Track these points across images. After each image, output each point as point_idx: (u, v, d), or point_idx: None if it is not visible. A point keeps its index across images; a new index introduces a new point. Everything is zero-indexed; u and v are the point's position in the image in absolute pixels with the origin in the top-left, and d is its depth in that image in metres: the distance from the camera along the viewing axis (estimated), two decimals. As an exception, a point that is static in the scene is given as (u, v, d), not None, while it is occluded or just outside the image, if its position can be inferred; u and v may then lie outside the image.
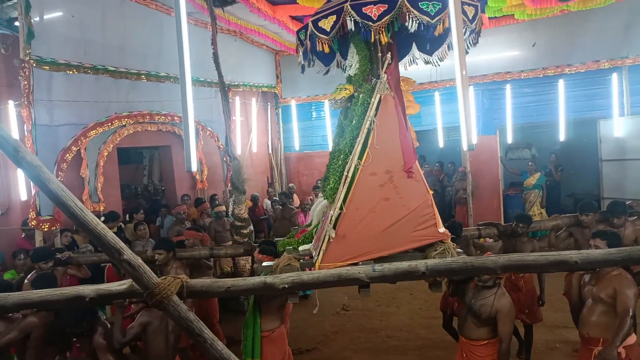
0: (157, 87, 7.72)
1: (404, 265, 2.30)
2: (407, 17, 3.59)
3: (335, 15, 3.84)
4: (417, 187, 3.76)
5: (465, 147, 2.51)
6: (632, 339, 3.27)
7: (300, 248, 4.03)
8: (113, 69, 6.87)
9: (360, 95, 3.86)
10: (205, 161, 8.89)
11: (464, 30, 3.55)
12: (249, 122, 10.60)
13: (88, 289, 2.41)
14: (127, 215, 7.66)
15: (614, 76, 9.05)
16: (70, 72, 6.28)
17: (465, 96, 2.52)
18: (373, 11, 3.68)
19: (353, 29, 3.78)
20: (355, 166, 3.63)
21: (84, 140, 6.55)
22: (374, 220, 3.64)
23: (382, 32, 3.67)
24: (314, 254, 3.69)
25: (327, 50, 4.03)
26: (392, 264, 2.31)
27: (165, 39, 7.36)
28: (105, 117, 6.91)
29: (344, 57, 4.63)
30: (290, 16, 8.27)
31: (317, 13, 4.08)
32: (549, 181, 9.45)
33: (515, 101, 9.76)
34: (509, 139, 10.06)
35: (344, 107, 4.49)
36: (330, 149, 11.14)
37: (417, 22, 3.58)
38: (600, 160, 9.09)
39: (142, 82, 7.47)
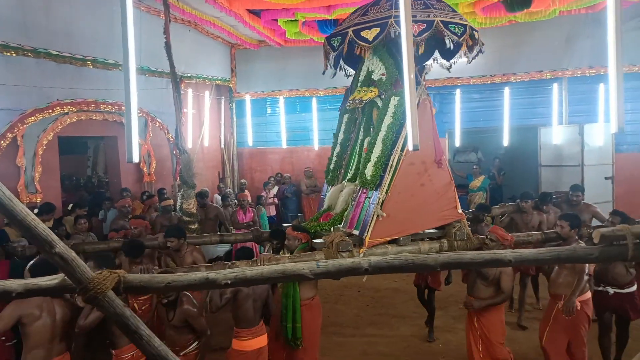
0: (105, 75, 7.40)
1: (347, 262, 2.33)
2: (443, 35, 4.57)
3: (379, 28, 4.62)
4: (444, 175, 4.65)
5: (410, 147, 2.57)
6: (587, 295, 4.11)
7: (333, 228, 4.63)
8: (56, 53, 6.53)
9: (396, 98, 4.54)
10: (153, 153, 8.61)
11: (450, 45, 4.61)
12: (201, 115, 10.37)
13: (15, 284, 2.26)
14: (71, 206, 7.28)
15: (555, 86, 9.59)
16: (8, 54, 5.92)
17: (412, 99, 2.58)
18: (414, 28, 4.46)
19: (393, 39, 4.60)
20: (398, 157, 4.37)
21: (21, 127, 6.17)
22: (412, 203, 4.43)
23: (421, 45, 4.59)
24: (354, 232, 4.36)
25: (366, 55, 4.94)
26: (336, 260, 2.33)
27: (116, 25, 6.99)
28: (46, 103, 6.53)
29: (351, 65, 5.59)
30: (247, 9, 8.17)
31: (356, 24, 4.84)
32: (492, 184, 9.85)
33: (464, 106, 10.12)
34: (457, 142, 10.41)
35: (356, 107, 5.20)
36: (284, 145, 11.22)
37: (449, 39, 4.59)
38: (540, 166, 9.58)
39: (89, 68, 7.13)
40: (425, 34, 4.53)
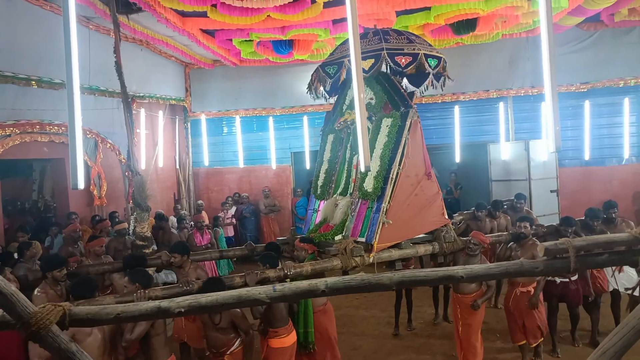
0: (51, 95, 7.10)
1: (304, 284, 2.31)
2: (424, 67, 5.29)
3: (373, 59, 5.19)
4: (433, 186, 5.29)
5: (362, 168, 2.62)
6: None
7: (336, 238, 5.03)
8: (-3, 72, 6.23)
9: (388, 119, 5.20)
10: (104, 176, 8.30)
11: (431, 74, 5.35)
12: (154, 135, 10.13)
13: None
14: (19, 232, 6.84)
15: (501, 105, 10.06)
16: (-58, 74, 5.60)
17: (363, 118, 2.63)
18: (402, 60, 5.20)
19: (387, 70, 5.40)
20: (397, 171, 4.93)
21: (-43, 150, 5.82)
22: (408, 211, 5.03)
23: (409, 73, 5.39)
24: (359, 239, 4.84)
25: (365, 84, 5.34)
26: (293, 283, 2.31)
27: (62, 43, 6.82)
28: (-14, 125, 6.21)
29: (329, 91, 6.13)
30: (200, 29, 8.12)
31: (350, 55, 5.25)
32: (449, 198, 10.13)
33: (417, 124, 10.41)
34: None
35: (347, 127, 5.76)
36: (241, 165, 11.11)
37: (427, 71, 5.32)
38: (490, 181, 9.97)
39: (33, 88, 6.82)
40: (412, 66, 5.21)
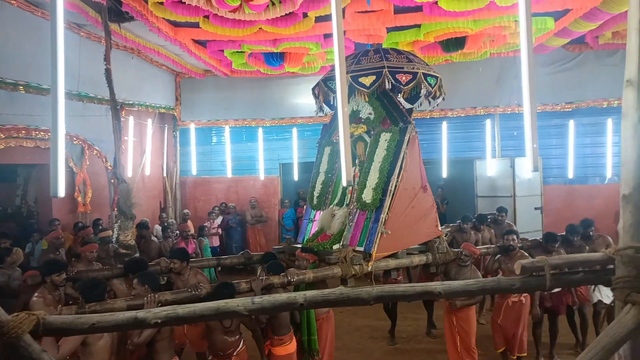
0: (38, 100, 7.06)
1: (282, 297, 2.31)
2: (422, 85, 5.53)
3: (375, 76, 5.44)
4: (428, 199, 5.55)
5: (344, 183, 2.64)
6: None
7: (334, 247, 5.15)
8: (-16, 77, 6.19)
9: (387, 134, 5.44)
10: (89, 182, 8.23)
11: (425, 92, 5.63)
12: (143, 143, 10.09)
13: None
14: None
15: (488, 122, 10.20)
16: None
17: (346, 135, 2.66)
18: (403, 78, 5.44)
19: (388, 87, 5.48)
20: (395, 184, 5.13)
21: (-61, 154, 5.74)
22: (405, 222, 5.22)
23: (406, 92, 5.59)
24: (358, 248, 5.00)
25: (366, 99, 5.72)
26: (271, 296, 2.31)
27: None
28: (-30, 129, 6.14)
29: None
30: (192, 39, 8.15)
31: (352, 71, 5.59)
32: (435, 213, 10.18)
33: (405, 139, 10.50)
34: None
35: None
36: (229, 175, 11.08)
37: (426, 89, 5.58)
38: (476, 196, 10.06)
39: (20, 93, 6.79)
40: (411, 84, 5.47)
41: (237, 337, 4.08)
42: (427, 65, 5.91)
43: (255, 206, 10.62)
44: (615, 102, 9.50)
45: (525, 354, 5.25)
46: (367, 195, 5.25)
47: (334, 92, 5.68)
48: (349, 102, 5.87)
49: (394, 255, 5.14)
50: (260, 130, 11.08)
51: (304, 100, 10.74)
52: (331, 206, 5.80)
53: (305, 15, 6.87)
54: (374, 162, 5.39)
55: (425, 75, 5.57)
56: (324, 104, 6.19)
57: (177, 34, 7.55)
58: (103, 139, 8.30)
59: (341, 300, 2.28)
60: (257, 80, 10.74)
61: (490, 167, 9.87)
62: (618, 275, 2.30)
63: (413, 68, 5.57)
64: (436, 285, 2.33)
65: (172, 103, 11.07)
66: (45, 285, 4.33)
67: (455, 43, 8.08)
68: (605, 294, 5.51)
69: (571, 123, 9.80)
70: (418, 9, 6.77)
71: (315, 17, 6.95)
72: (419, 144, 5.54)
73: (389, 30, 7.76)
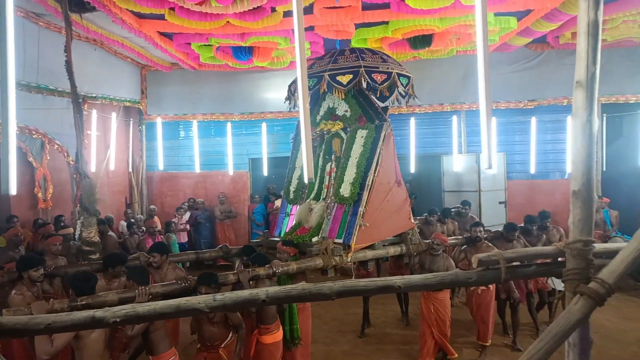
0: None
1: (244, 293, 2.32)
2: (397, 84, 5.79)
3: (351, 75, 5.64)
4: (402, 193, 5.85)
5: (306, 180, 2.66)
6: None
7: (314, 239, 5.33)
8: None
9: (363, 131, 5.65)
10: (50, 178, 7.96)
11: (398, 91, 5.87)
12: (107, 137, 9.82)
13: None
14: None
15: (454, 118, 10.41)
16: None
17: (307, 132, 2.68)
18: (378, 77, 5.67)
19: (365, 86, 5.76)
20: (372, 178, 5.34)
21: None
22: (381, 215, 5.45)
23: (383, 91, 5.83)
24: (337, 241, 5.17)
25: (342, 96, 5.88)
26: (233, 292, 2.31)
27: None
28: None
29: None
30: (158, 32, 7.97)
31: (330, 70, 5.78)
32: (402, 208, 10.34)
33: (374, 134, 10.61)
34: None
35: (323, 136, 6.16)
36: (197, 170, 10.93)
37: (397, 88, 5.84)
38: (443, 191, 10.27)
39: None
40: (386, 83, 5.70)
41: (225, 330, 4.14)
42: (400, 65, 6.12)
43: (224, 202, 10.53)
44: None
45: (489, 343, 5.64)
46: (345, 190, 5.44)
47: (310, 89, 5.86)
48: (325, 100, 6.24)
49: (371, 247, 5.38)
50: (229, 125, 10.97)
51: (273, 95, 10.70)
52: (308, 200, 5.92)
53: (273, 9, 6.83)
54: (350, 158, 5.59)
55: (399, 75, 5.82)
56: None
57: (142, 26, 7.37)
58: (65, 132, 8.03)
59: (303, 295, 2.30)
60: (225, 74, 10.62)
61: (456, 163, 10.09)
62: (568, 267, 2.41)
63: (387, 68, 5.81)
64: (396, 280, 2.38)
65: (138, 96, 10.81)
66: (23, 281, 4.25)
67: (422, 40, 8.21)
68: (558, 282, 5.80)
69: (533, 120, 10.12)
70: (386, 6, 6.84)
71: (284, 12, 6.93)
72: (393, 140, 5.79)
73: (358, 26, 7.80)
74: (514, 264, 2.61)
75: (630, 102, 9.72)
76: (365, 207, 5.26)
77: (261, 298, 2.26)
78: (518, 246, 6.02)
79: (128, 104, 10.42)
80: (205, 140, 11.16)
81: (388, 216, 5.58)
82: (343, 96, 5.92)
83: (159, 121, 11.02)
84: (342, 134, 5.96)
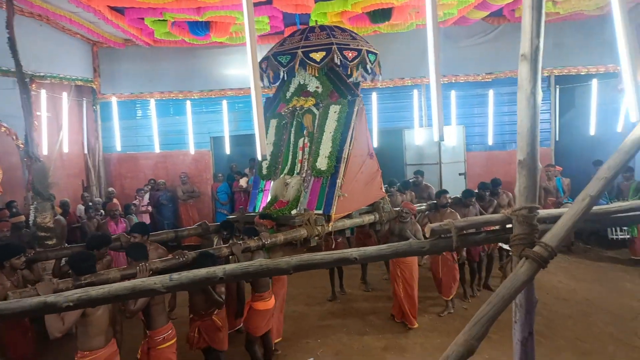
0: None
1: (202, 272, 2.31)
2: (366, 61, 6.10)
3: (324, 52, 5.90)
4: (374, 165, 6.20)
5: (259, 156, 2.66)
6: None
7: (293, 212, 5.49)
8: None
9: (336, 106, 5.85)
10: (-1, 162, 7.61)
11: (365, 67, 6.17)
12: (59, 118, 9.40)
13: None
14: None
15: (415, 92, 10.51)
16: None
17: (259, 107, 2.66)
18: (349, 54, 5.96)
19: (338, 63, 5.92)
20: (348, 152, 5.57)
21: None
22: (356, 186, 5.75)
23: (354, 68, 6.07)
24: (316, 212, 5.36)
25: (315, 73, 6.09)
26: (190, 271, 2.31)
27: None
28: None
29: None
30: (108, 6, 7.61)
31: (303, 47, 5.99)
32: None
33: (336, 109, 10.60)
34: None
35: (296, 112, 6.25)
36: (157, 150, 10.65)
37: (367, 65, 6.13)
38: (405, 165, 10.44)
39: None
40: (356, 60, 5.99)
41: (208, 304, 4.22)
42: (367, 42, 6.32)
43: (186, 182, 10.36)
44: (529, 72, 10.10)
45: (452, 296, 6.22)
46: (322, 163, 5.64)
47: (284, 65, 6.05)
48: (295, 77, 6.38)
49: (348, 216, 5.70)
50: (188, 103, 10.70)
51: (234, 71, 10.48)
52: (282, 175, 6.06)
53: (228, -18, 6.63)
54: (325, 133, 5.78)
55: (368, 52, 6.07)
56: (272, 78, 6.48)
57: (91, 1, 7.01)
58: (12, 114, 7.62)
59: (261, 271, 2.32)
60: (183, 51, 10.30)
61: (417, 136, 10.25)
62: (515, 233, 2.52)
63: (358, 45, 6.06)
64: (352, 252, 2.43)
65: (90, 75, 10.36)
66: (3, 270, 4.21)
67: (382, 14, 8.19)
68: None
69: (491, 93, 10.34)
70: (344, -21, 6.75)
71: (240, -15, 6.73)
72: (365, 115, 6.07)
73: (317, 0, 7.69)
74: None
75: (582, 73, 10.06)
76: (342, 179, 5.50)
77: (218, 276, 2.26)
78: (474, 211, 6.66)
79: (80, 82, 9.97)
80: (164, 119, 10.86)
81: (362, 187, 5.89)
82: (316, 73, 6.06)
83: (114, 100, 10.63)
84: (314, 110, 6.10)
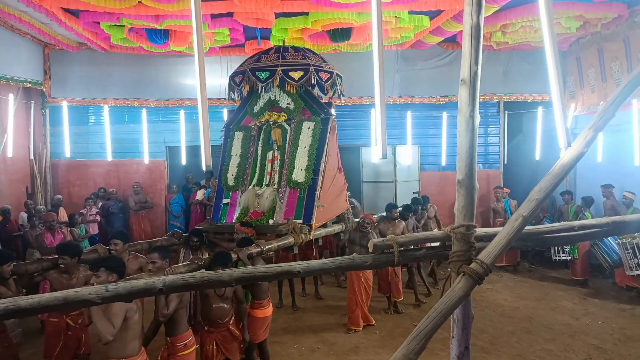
0: None
1: (140, 283, 2.26)
2: (336, 83, 6.79)
3: (302, 72, 6.43)
4: (342, 179, 6.83)
5: (204, 167, 2.67)
6: None
7: (270, 221, 5.78)
8: None
9: (310, 123, 6.33)
10: None
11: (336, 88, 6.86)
12: (3, 121, 8.96)
13: None
14: None
15: (373, 111, 10.73)
16: None
17: (205, 127, 2.67)
18: (324, 75, 6.58)
19: (314, 83, 6.48)
20: (324, 165, 6.06)
21: None
22: (330, 197, 6.24)
23: (329, 88, 6.71)
24: (295, 220, 5.65)
25: (293, 91, 6.55)
26: (128, 282, 2.25)
27: None
28: None
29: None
30: (62, 8, 7.38)
31: (282, 65, 6.49)
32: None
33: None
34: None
35: (268, 125, 6.56)
36: (109, 158, 10.35)
37: (337, 86, 6.82)
38: (362, 182, 10.61)
39: None
40: (329, 81, 6.62)
41: (231, 306, 4.36)
42: (333, 67, 6.96)
43: (139, 192, 10.07)
44: (481, 97, 10.57)
45: (400, 299, 6.94)
46: (298, 176, 6.01)
47: (262, 81, 6.44)
48: (265, 93, 6.76)
49: (324, 225, 6.20)
50: (144, 111, 10.46)
51: (192, 81, 10.35)
52: (251, 187, 6.28)
53: (189, -8, 6.60)
54: (299, 147, 6.18)
55: (339, 78, 6.81)
56: (245, 92, 6.81)
57: (43, 1, 6.79)
58: (-50, 114, 7.24)
59: (202, 283, 2.29)
60: (140, 57, 10.10)
61: (374, 154, 10.44)
62: (453, 250, 2.62)
63: (329, 68, 6.75)
64: (296, 265, 2.45)
65: (40, 77, 9.95)
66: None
67: (342, 33, 8.36)
68: None
69: (444, 115, 10.72)
70: (305, -4, 6.88)
71: (200, -4, 6.71)
72: (337, 132, 6.64)
73: (278, 15, 7.76)
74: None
75: (529, 100, 10.62)
76: (319, 190, 5.92)
77: (157, 287, 2.22)
78: (412, 222, 7.65)
79: (28, 84, 9.55)
80: (117, 126, 10.55)
81: (334, 198, 6.42)
82: (294, 90, 6.49)
83: (64, 105, 10.23)
84: (285, 125, 6.47)
